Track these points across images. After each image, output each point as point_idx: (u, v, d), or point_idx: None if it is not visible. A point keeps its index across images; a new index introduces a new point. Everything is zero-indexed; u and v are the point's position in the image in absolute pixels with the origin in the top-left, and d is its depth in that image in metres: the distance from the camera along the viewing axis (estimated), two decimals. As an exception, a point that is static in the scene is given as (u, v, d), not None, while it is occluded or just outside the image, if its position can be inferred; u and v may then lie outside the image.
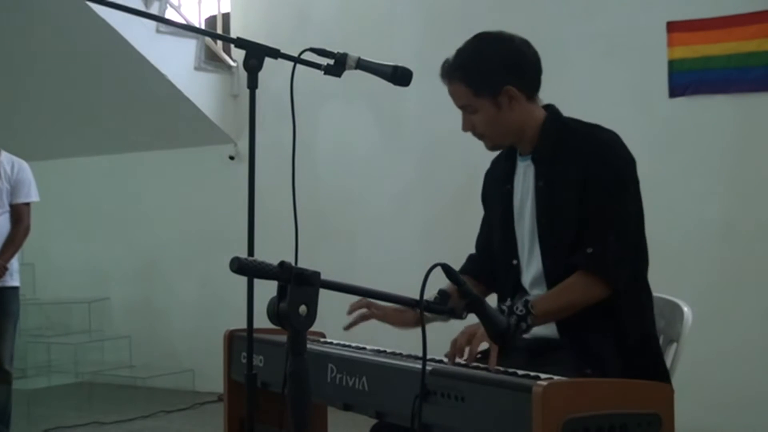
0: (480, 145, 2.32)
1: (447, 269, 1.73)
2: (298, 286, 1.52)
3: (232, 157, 6.26)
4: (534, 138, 2.24)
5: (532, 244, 2.23)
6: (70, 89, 6.21)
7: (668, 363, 2.22)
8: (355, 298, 2.21)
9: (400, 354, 2.06)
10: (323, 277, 1.55)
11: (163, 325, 6.67)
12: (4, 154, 4.57)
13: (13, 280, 4.51)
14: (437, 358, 2.00)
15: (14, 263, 4.52)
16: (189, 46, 6.04)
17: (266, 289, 1.61)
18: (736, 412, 4.41)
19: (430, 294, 1.74)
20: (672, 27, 4.67)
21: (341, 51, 2.18)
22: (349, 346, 2.21)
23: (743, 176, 4.54)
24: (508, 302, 2.11)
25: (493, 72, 2.19)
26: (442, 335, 2.11)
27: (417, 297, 1.68)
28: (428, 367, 1.74)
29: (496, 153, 2.41)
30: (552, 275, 2.17)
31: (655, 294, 2.27)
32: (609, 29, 4.88)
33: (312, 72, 2.21)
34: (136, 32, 5.59)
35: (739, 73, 4.51)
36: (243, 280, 1.87)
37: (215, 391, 5.61)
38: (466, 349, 1.98)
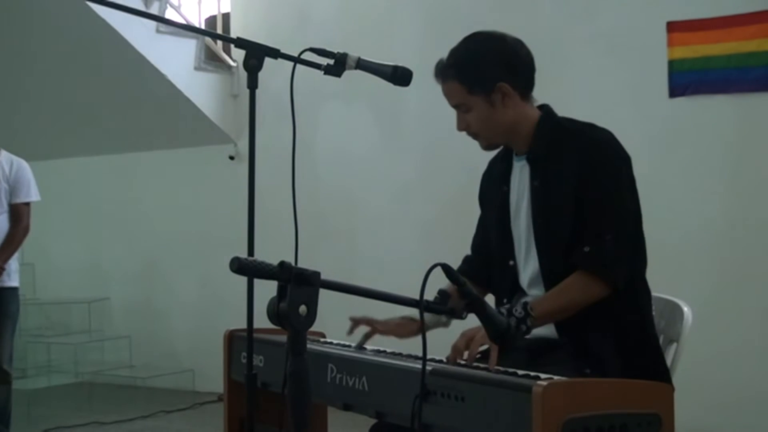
0: (479, 145, 2.32)
1: (447, 269, 1.73)
2: (298, 286, 1.52)
3: (232, 157, 6.26)
4: (528, 138, 2.25)
5: (528, 244, 2.23)
6: (70, 89, 6.21)
7: (668, 363, 2.21)
8: (355, 298, 2.21)
9: (400, 354, 2.05)
10: (323, 277, 1.55)
11: (163, 325, 6.67)
12: (4, 153, 4.55)
13: (11, 280, 4.49)
14: (437, 358, 2.00)
15: (13, 264, 4.50)
16: (189, 46, 6.04)
17: (266, 289, 1.61)
18: (736, 412, 4.41)
19: (430, 294, 1.74)
20: (672, 27, 4.67)
21: (341, 51, 2.17)
22: (349, 346, 2.22)
23: (743, 176, 4.53)
24: (507, 305, 2.11)
25: (486, 68, 2.19)
26: (442, 335, 2.12)
27: (417, 297, 1.68)
28: (428, 367, 1.74)
29: (495, 153, 2.41)
30: (549, 275, 2.17)
31: (655, 294, 2.27)
32: (609, 29, 4.88)
33: (312, 72, 2.21)
34: (136, 32, 5.59)
35: (739, 73, 4.50)
36: (243, 280, 1.87)
37: (215, 391, 5.61)
38: (465, 353, 1.99)
